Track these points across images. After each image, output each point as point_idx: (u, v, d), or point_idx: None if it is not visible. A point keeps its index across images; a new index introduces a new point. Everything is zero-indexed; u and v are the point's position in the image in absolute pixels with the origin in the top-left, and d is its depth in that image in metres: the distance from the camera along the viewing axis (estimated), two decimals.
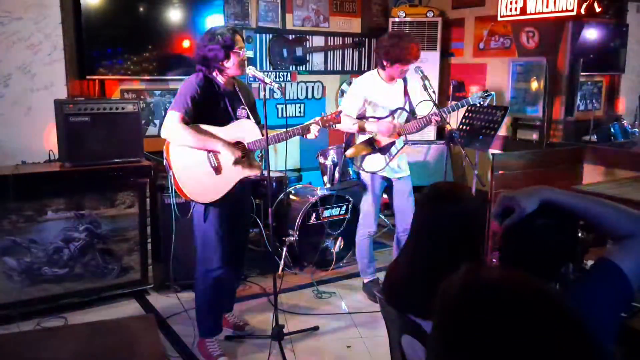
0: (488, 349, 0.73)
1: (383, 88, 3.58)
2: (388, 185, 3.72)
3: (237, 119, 2.94)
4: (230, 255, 3.12)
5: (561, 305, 0.77)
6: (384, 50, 3.46)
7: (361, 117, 3.59)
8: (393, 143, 3.57)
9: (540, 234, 1.36)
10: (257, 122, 3.02)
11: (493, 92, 3.49)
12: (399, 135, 3.56)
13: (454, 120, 4.30)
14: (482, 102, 3.48)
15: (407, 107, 3.63)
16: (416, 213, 1.68)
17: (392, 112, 3.57)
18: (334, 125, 3.08)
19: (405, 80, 3.64)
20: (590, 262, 2.77)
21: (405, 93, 3.63)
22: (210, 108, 2.86)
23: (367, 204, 3.71)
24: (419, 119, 3.52)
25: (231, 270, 3.11)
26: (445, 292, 0.83)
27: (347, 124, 3.51)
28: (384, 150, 3.58)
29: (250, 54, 4.88)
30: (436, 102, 3.45)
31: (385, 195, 3.83)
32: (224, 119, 2.91)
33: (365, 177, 3.68)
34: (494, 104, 3.78)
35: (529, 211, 1.28)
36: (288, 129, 2.97)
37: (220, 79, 2.90)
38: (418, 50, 3.44)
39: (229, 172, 2.88)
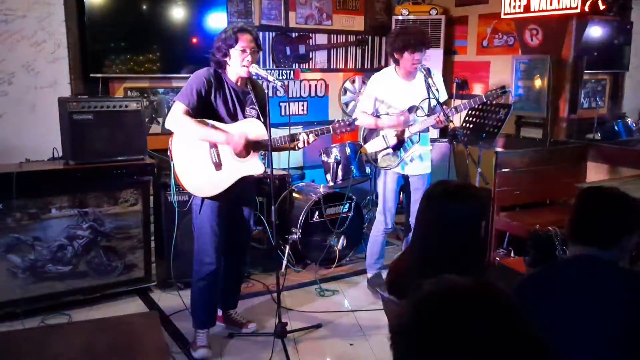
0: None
1: (399, 86, 3.55)
2: (404, 182, 3.72)
3: (245, 117, 2.94)
4: (232, 252, 3.13)
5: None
6: (391, 41, 3.47)
7: (375, 115, 3.59)
8: (405, 140, 3.57)
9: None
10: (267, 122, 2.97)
11: (509, 89, 3.42)
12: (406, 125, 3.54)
13: (457, 118, 4.29)
14: (496, 101, 3.41)
15: (424, 104, 3.54)
16: (423, 208, 1.68)
17: (408, 111, 3.55)
18: (345, 132, 3.06)
19: (425, 74, 3.43)
20: None
21: (427, 88, 3.47)
22: (216, 103, 2.87)
23: (383, 201, 3.70)
24: (425, 120, 3.48)
25: (229, 266, 3.14)
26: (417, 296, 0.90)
27: (365, 121, 3.54)
28: (396, 147, 3.57)
29: None
30: (439, 100, 3.44)
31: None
32: (229, 116, 2.91)
33: (380, 173, 3.68)
34: (503, 100, 3.74)
35: None
36: (310, 130, 2.97)
37: (230, 75, 2.91)
38: (425, 36, 3.42)
39: (229, 169, 2.89)
